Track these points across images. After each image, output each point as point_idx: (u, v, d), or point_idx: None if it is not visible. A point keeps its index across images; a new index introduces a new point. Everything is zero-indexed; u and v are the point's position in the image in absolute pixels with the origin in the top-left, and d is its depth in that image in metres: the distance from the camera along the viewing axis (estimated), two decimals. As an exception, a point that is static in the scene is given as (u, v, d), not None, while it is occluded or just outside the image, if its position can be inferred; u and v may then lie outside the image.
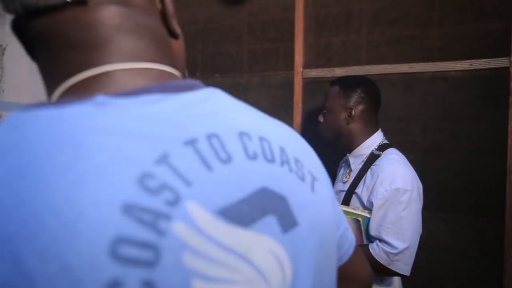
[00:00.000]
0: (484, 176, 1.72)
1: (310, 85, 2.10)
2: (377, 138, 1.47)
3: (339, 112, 1.48)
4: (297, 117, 2.12)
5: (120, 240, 0.31)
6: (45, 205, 0.30)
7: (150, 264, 0.31)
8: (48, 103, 0.38)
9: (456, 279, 1.76)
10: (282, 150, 0.46)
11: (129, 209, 0.32)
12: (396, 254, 1.28)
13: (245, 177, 0.40)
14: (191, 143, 0.38)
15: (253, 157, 0.42)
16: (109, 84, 0.41)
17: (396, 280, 1.43)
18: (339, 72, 2.01)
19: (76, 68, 0.41)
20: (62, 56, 0.42)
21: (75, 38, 0.41)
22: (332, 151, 1.60)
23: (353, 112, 1.46)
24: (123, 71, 0.42)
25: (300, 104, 2.12)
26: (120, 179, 0.33)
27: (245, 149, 0.42)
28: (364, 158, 1.44)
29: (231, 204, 0.38)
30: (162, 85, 0.42)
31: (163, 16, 0.48)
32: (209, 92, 0.45)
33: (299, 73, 2.11)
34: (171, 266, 0.32)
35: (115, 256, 0.30)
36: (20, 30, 0.45)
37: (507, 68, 1.68)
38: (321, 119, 1.55)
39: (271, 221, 0.40)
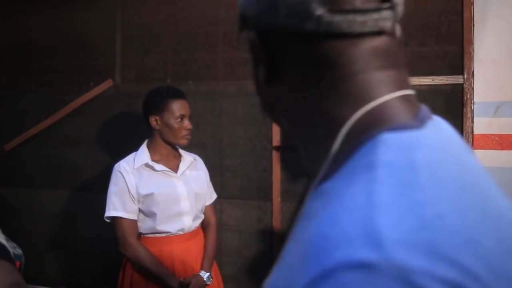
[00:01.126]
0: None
1: (288, 94, 2.23)
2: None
3: None
4: (276, 125, 2.23)
5: None
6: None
7: None
8: (406, 126, 0.41)
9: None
10: None
11: None
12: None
13: None
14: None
15: None
16: (398, 108, 0.44)
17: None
18: (316, 83, 2.17)
19: (375, 93, 0.43)
20: (359, 81, 0.43)
21: (374, 64, 0.43)
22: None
23: None
24: (401, 97, 0.45)
25: (278, 112, 2.23)
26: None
27: None
28: None
29: None
30: (426, 109, 0.48)
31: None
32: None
33: (278, 83, 2.22)
34: None
35: None
36: (285, 47, 0.46)
37: (461, 84, 2.01)
38: None
39: None
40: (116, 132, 2.45)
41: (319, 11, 0.41)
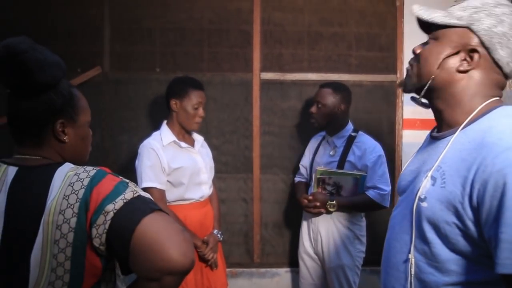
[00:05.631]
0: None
1: (265, 85, 2.70)
2: (351, 125, 2.25)
3: (333, 107, 2.18)
4: (256, 109, 2.69)
5: None
6: None
7: None
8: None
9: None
10: None
11: None
12: (385, 194, 2.09)
13: None
14: None
15: None
16: (499, 101, 0.97)
17: (364, 219, 2.24)
18: (289, 76, 2.69)
19: (497, 93, 0.97)
20: (497, 88, 0.97)
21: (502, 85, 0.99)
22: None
23: (342, 107, 2.19)
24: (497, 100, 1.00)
25: (258, 99, 2.69)
26: None
27: None
28: (345, 138, 2.20)
29: None
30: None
31: None
32: None
33: (257, 75, 2.68)
34: None
35: None
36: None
37: (395, 81, 2.72)
38: (314, 110, 2.21)
39: None
40: (104, 117, 2.61)
41: None
